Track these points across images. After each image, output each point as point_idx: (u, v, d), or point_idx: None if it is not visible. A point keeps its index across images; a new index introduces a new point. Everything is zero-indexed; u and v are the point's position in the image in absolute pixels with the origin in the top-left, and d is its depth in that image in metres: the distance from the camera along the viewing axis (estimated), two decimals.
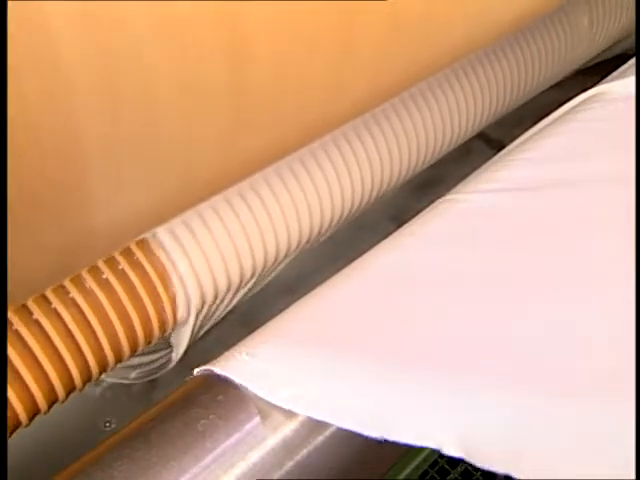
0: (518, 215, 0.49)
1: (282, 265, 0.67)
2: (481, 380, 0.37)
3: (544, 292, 0.43)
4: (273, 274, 0.67)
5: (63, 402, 0.52)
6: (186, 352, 0.62)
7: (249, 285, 0.64)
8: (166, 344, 0.66)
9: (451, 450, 0.33)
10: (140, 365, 0.70)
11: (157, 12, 0.31)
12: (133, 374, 0.72)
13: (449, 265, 0.46)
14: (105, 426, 0.73)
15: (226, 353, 0.42)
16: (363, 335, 0.42)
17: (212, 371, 0.41)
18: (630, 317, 0.39)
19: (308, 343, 0.42)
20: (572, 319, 0.41)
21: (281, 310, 0.47)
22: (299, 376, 0.39)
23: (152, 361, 0.69)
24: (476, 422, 0.34)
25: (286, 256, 0.65)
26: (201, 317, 0.60)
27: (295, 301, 0.48)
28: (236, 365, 0.40)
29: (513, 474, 0.31)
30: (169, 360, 0.65)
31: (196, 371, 0.42)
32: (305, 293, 0.48)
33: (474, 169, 0.60)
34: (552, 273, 0.44)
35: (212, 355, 0.42)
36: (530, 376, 0.37)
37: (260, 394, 0.38)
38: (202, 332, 0.64)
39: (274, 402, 0.38)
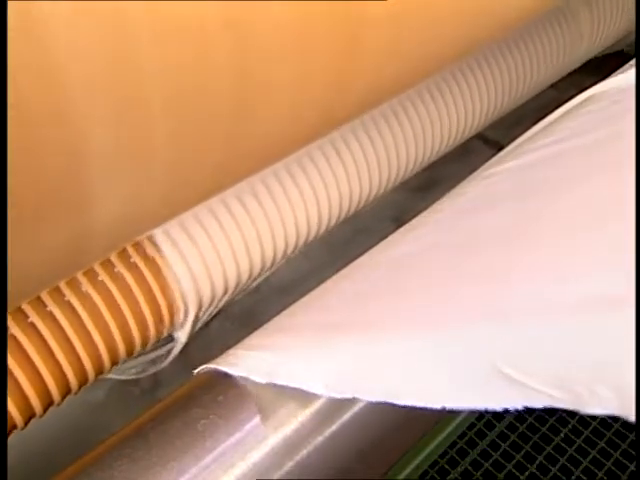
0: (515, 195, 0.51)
1: (277, 264, 0.67)
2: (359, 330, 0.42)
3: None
4: (269, 273, 0.67)
5: (59, 405, 0.52)
6: (189, 352, 0.62)
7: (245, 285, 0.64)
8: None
9: (319, 390, 0.38)
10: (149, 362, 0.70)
11: (159, 13, 0.31)
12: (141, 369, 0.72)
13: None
14: (109, 424, 0.73)
15: (226, 352, 0.42)
16: (356, 319, 0.43)
17: (212, 371, 0.41)
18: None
19: (305, 332, 0.42)
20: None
21: (280, 310, 0.47)
22: (300, 376, 0.39)
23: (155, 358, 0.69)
24: (337, 363, 0.39)
25: (283, 257, 0.65)
26: (199, 316, 0.60)
27: (294, 302, 0.48)
28: (236, 365, 0.40)
29: (361, 397, 0.37)
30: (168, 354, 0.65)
31: (196, 371, 0.42)
32: (304, 294, 0.49)
33: (473, 170, 0.60)
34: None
35: (213, 355, 0.42)
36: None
37: (259, 380, 0.38)
38: (197, 328, 0.64)
39: (275, 382, 0.38)
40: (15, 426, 0.48)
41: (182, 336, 0.59)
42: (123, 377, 0.71)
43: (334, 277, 0.49)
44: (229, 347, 0.43)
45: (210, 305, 0.60)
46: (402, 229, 0.53)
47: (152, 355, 0.67)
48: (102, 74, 0.31)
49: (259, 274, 0.63)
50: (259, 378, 0.39)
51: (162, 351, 0.66)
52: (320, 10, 0.39)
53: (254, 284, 0.68)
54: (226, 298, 0.63)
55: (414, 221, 0.53)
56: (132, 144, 0.37)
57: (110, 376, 0.72)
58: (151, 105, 0.35)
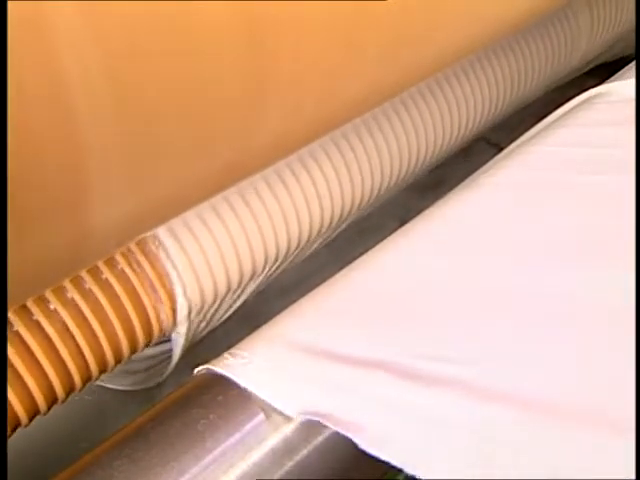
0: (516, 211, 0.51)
1: (284, 266, 0.67)
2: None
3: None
4: (275, 275, 0.68)
5: (63, 402, 0.52)
6: (192, 351, 0.63)
7: (251, 286, 0.64)
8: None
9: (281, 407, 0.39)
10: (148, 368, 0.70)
11: (162, 12, 0.31)
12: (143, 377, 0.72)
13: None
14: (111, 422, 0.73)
15: (226, 353, 0.42)
16: (363, 333, 0.43)
17: (212, 371, 0.41)
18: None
19: (308, 343, 0.42)
20: None
21: (281, 310, 0.47)
22: (298, 378, 0.39)
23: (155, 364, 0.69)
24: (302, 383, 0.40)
25: (286, 257, 0.65)
26: (202, 317, 0.60)
27: (295, 301, 0.48)
28: (236, 365, 0.40)
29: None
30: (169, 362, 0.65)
31: (196, 371, 0.42)
32: (306, 293, 0.49)
33: (475, 169, 0.60)
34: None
35: (214, 355, 0.43)
36: None
37: (260, 395, 0.38)
38: (205, 332, 0.64)
39: (273, 404, 0.38)
40: (19, 424, 0.49)
41: (184, 334, 0.59)
42: (128, 387, 0.72)
43: (335, 277, 0.49)
44: (231, 346, 0.44)
45: (213, 304, 0.60)
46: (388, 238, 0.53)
47: (155, 360, 0.67)
48: (103, 68, 0.31)
49: (261, 273, 0.64)
50: (243, 383, 0.39)
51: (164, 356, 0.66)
52: (322, 12, 0.39)
53: (263, 286, 0.68)
54: (230, 299, 0.63)
55: (407, 226, 0.53)
56: (135, 144, 0.37)
57: (114, 386, 0.72)
58: (155, 106, 0.35)
